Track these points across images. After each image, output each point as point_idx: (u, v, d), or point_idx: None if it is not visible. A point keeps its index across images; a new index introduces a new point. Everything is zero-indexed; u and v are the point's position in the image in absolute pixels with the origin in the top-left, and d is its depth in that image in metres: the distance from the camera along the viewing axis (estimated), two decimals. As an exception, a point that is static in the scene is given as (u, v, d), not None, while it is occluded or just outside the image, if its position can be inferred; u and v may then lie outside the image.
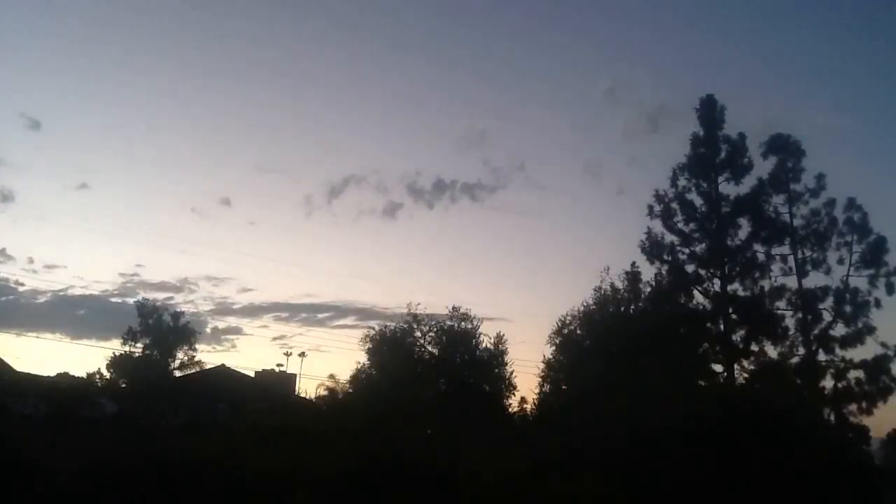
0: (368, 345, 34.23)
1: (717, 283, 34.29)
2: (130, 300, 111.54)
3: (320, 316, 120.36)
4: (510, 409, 35.66)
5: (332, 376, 36.17)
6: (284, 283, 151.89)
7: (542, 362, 35.15)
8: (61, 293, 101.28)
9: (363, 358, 34.24)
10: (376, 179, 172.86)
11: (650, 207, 35.65)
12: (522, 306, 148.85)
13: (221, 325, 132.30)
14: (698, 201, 35.33)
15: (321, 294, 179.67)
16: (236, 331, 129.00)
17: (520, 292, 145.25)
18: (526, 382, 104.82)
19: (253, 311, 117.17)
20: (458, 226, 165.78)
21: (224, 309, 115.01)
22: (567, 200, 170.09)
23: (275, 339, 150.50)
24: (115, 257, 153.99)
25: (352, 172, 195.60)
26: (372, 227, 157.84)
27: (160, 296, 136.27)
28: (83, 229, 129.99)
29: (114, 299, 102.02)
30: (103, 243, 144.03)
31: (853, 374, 32.58)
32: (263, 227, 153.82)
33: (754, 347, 33.28)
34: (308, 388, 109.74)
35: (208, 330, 63.93)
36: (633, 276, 35.63)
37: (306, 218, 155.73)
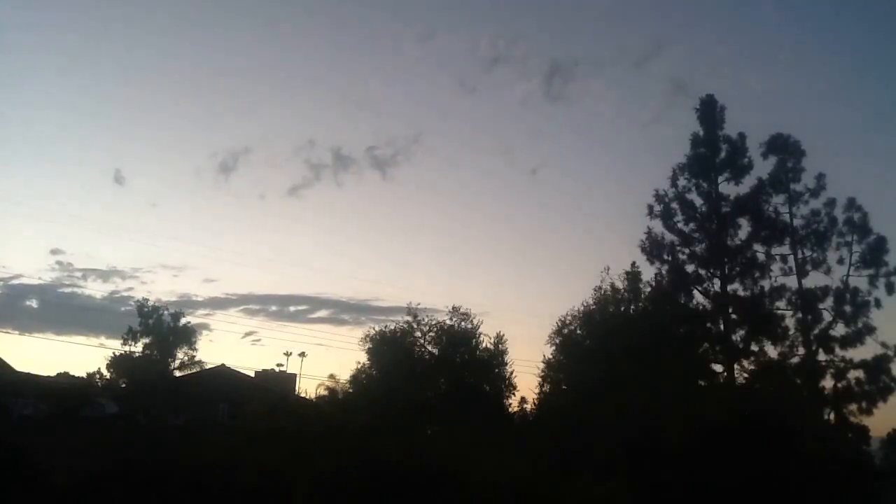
0: (368, 344, 34.23)
1: (717, 283, 34.31)
2: (83, 291, 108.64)
3: (292, 309, 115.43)
4: (510, 409, 35.66)
5: (332, 376, 36.12)
6: (215, 272, 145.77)
7: (542, 362, 35.21)
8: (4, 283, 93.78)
9: (356, 356, 34.31)
10: (268, 152, 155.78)
11: (650, 207, 35.70)
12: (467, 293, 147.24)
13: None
14: (698, 201, 35.39)
15: (280, 286, 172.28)
16: (203, 326, 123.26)
17: (455, 278, 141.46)
18: (526, 382, 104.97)
19: (216, 303, 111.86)
20: (372, 203, 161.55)
21: (185, 301, 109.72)
22: (477, 177, 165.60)
23: (247, 334, 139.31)
24: (26, 241, 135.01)
25: (242, 144, 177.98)
26: (287, 206, 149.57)
27: (111, 287, 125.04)
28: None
29: (64, 290, 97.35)
30: (8, 226, 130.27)
31: (853, 374, 32.64)
32: (164, 208, 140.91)
33: (754, 347, 33.30)
34: (306, 387, 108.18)
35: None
36: (633, 276, 35.67)
37: (206, 197, 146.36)
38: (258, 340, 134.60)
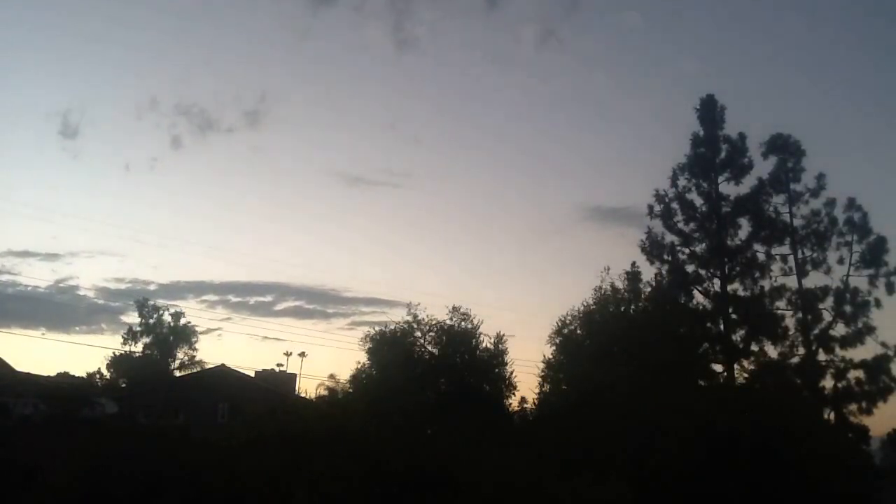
0: (368, 344, 34.16)
1: (717, 283, 34.36)
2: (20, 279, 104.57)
3: (252, 301, 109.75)
4: (510, 409, 35.60)
5: (332, 376, 36.15)
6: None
7: (542, 362, 35.16)
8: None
9: (360, 357, 34.19)
10: (111, 112, 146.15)
11: (650, 207, 35.81)
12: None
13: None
14: (698, 201, 35.46)
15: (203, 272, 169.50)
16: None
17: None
18: (526, 382, 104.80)
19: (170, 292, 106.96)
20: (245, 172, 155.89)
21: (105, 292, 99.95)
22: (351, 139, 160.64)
23: (209, 330, 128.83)
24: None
25: (76, 104, 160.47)
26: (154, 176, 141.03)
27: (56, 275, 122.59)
28: None
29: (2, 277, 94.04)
30: None
31: (853, 374, 32.74)
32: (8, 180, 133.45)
33: (754, 347, 33.37)
34: (305, 387, 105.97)
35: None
36: (633, 276, 35.63)
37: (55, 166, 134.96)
38: (220, 336, 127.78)
